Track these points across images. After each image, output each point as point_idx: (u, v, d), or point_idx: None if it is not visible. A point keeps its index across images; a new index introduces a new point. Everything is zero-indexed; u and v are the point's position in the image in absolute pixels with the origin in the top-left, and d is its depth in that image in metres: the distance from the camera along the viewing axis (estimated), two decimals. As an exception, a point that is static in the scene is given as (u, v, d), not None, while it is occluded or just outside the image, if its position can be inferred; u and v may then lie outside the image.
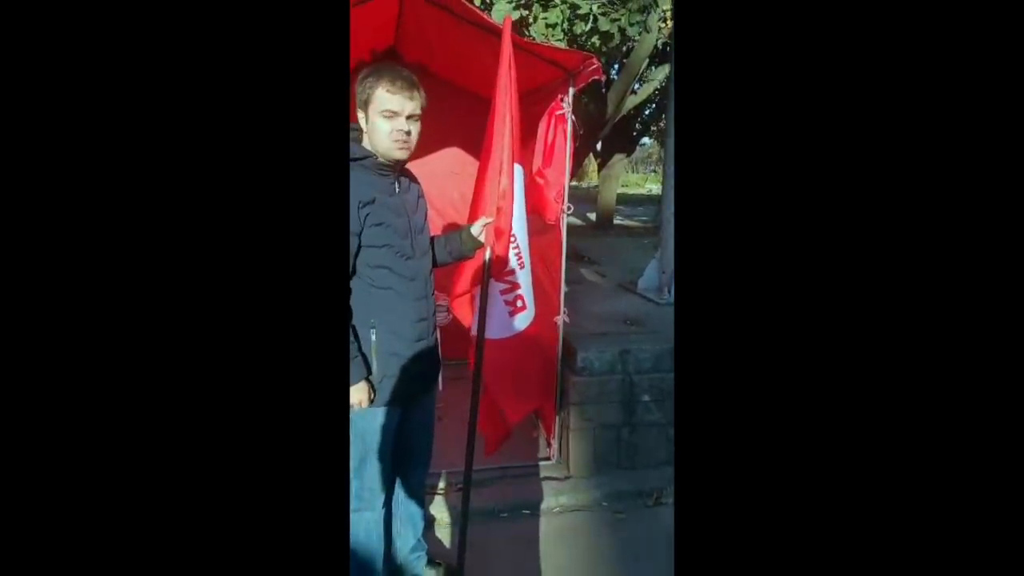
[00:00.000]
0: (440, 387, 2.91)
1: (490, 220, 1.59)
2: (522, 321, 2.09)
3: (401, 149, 1.37)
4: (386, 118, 1.34)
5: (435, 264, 1.60)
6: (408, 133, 1.36)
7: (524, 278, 2.11)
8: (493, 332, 1.99)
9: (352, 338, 1.36)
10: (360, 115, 1.37)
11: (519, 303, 2.10)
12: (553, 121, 2.11)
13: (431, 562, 1.75)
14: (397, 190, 1.43)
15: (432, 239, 1.60)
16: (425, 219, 1.53)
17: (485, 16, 2.11)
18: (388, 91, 1.34)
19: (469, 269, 1.86)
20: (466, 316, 1.98)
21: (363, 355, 1.38)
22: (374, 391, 1.41)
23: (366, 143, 1.38)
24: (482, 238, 1.60)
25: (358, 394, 1.36)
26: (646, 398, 2.38)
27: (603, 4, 3.30)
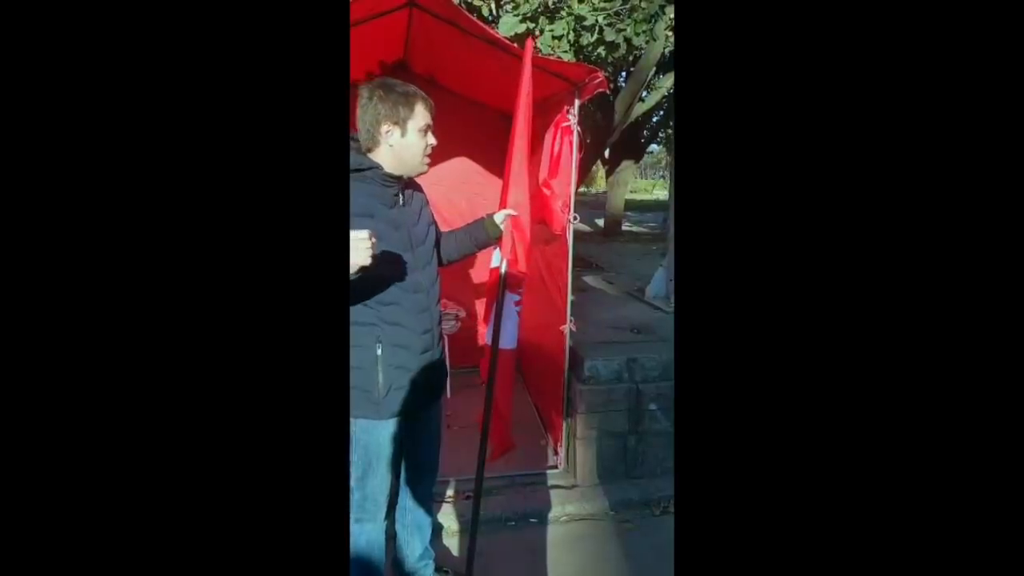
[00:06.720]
0: (448, 395, 2.94)
1: (513, 212, 1.61)
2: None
3: (428, 163, 1.40)
4: (424, 133, 1.35)
5: (448, 262, 1.62)
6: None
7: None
8: (507, 343, 2.01)
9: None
10: (387, 129, 1.32)
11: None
12: (559, 132, 2.13)
13: (439, 569, 1.77)
14: (400, 202, 1.40)
15: (453, 233, 1.63)
16: (428, 229, 1.49)
17: (491, 30, 2.15)
18: (426, 107, 1.35)
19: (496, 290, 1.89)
20: (484, 333, 2.00)
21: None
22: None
23: (381, 156, 1.34)
24: (503, 227, 1.62)
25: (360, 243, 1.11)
26: (653, 407, 2.38)
27: (609, 15, 3.33)
